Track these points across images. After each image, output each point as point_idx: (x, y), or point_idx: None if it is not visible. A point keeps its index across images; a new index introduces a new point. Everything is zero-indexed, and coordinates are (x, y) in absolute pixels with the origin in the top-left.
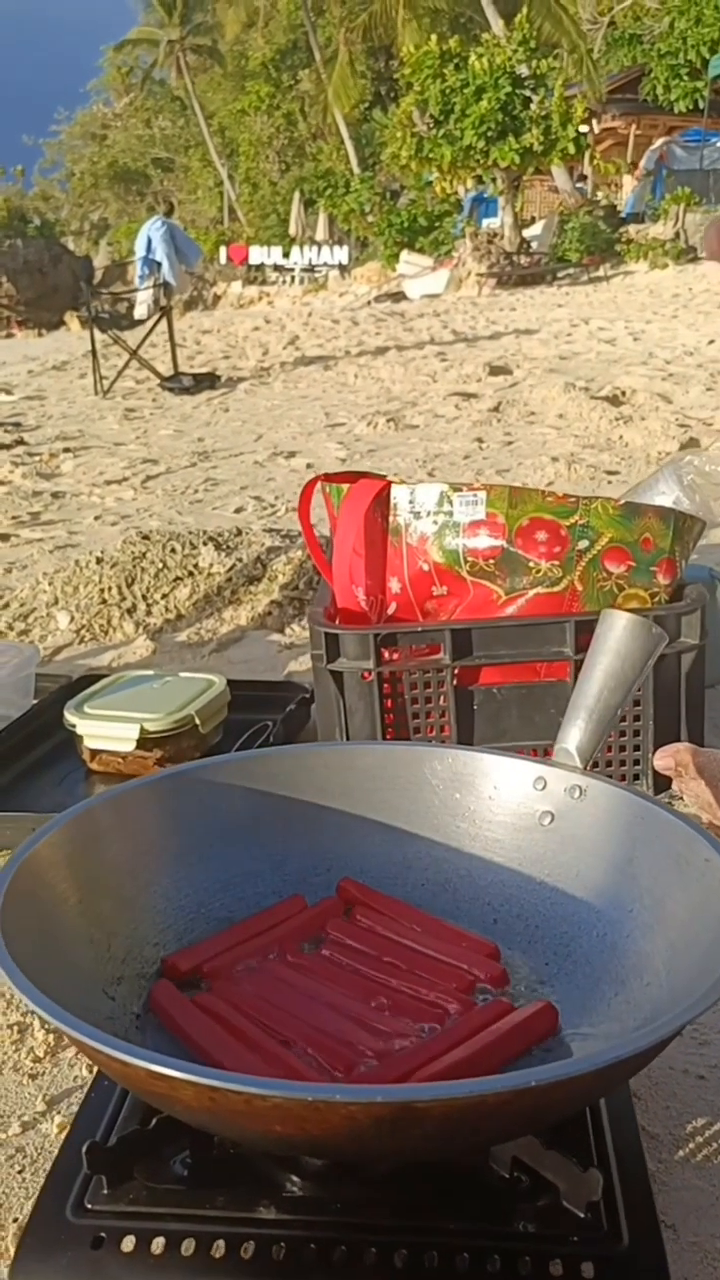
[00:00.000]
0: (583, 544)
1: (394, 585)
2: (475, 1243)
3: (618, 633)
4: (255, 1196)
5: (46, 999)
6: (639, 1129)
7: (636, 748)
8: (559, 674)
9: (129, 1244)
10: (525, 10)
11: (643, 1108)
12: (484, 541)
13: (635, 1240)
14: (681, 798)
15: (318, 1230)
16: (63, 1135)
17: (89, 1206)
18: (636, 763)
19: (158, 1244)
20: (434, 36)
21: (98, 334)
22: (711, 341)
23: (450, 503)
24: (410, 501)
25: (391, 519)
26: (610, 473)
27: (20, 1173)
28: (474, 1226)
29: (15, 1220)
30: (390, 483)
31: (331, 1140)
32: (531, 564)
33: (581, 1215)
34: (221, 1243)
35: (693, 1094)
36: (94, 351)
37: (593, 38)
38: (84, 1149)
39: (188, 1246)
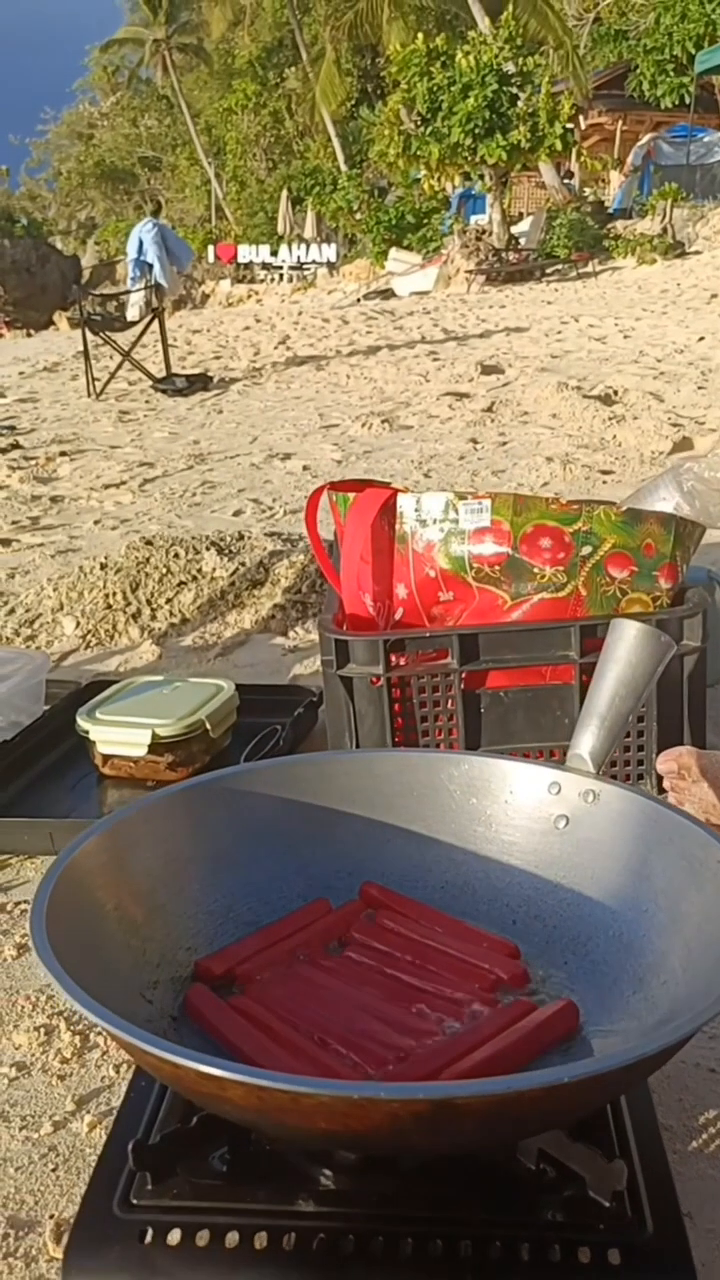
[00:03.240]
0: (586, 550)
1: (401, 591)
2: (507, 1232)
3: (628, 642)
4: (293, 1190)
5: (100, 1006)
6: (659, 1123)
7: (640, 748)
8: (564, 677)
9: (175, 1237)
10: (511, 7)
11: (656, 1101)
12: (489, 548)
13: (659, 1228)
14: (679, 805)
15: (355, 1222)
16: (93, 1134)
17: (134, 1202)
18: (640, 763)
19: (202, 1237)
20: (420, 34)
21: (89, 334)
22: (701, 339)
23: (456, 510)
24: (416, 509)
25: (398, 526)
26: (605, 472)
27: (54, 1171)
28: (505, 1217)
29: (52, 1217)
30: (397, 491)
31: (372, 1135)
32: (536, 570)
33: (607, 1205)
34: (264, 1235)
35: (705, 1087)
36: (86, 353)
37: (579, 34)
38: (130, 1147)
39: (231, 1239)
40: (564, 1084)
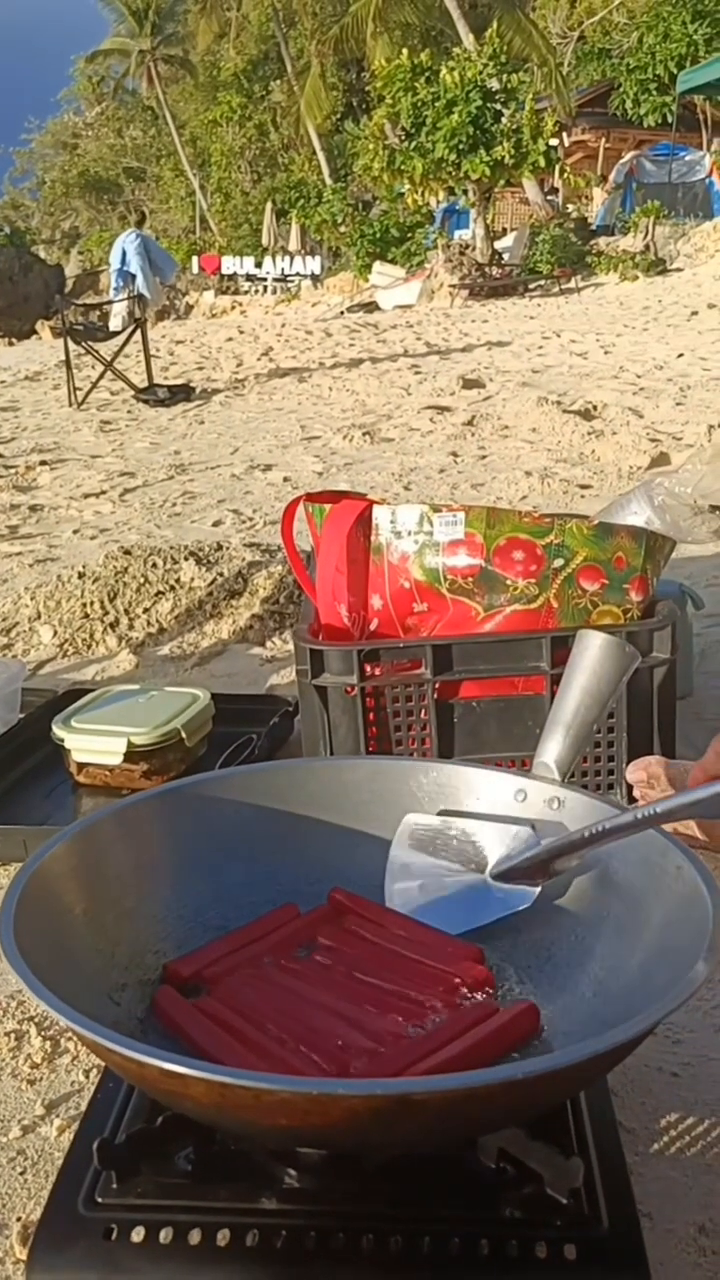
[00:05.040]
0: (558, 562)
1: (376, 602)
2: (466, 1228)
3: (593, 652)
4: (256, 1189)
5: (67, 1006)
6: (617, 1122)
7: (611, 759)
8: (536, 688)
9: (139, 1235)
10: (495, 25)
11: (620, 1104)
12: (463, 560)
13: (614, 1224)
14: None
15: (317, 1219)
16: (62, 1138)
17: (99, 1200)
18: (611, 773)
19: (166, 1234)
20: (405, 50)
21: (71, 344)
22: (680, 355)
23: (430, 523)
24: (391, 521)
25: (373, 538)
26: (583, 487)
27: (22, 1174)
28: (464, 1214)
29: (19, 1219)
30: (372, 503)
31: (333, 1132)
32: (509, 582)
33: (564, 1201)
34: (226, 1232)
35: (667, 1090)
36: (68, 363)
37: (562, 52)
38: (95, 1146)
39: (194, 1236)
40: (518, 1080)
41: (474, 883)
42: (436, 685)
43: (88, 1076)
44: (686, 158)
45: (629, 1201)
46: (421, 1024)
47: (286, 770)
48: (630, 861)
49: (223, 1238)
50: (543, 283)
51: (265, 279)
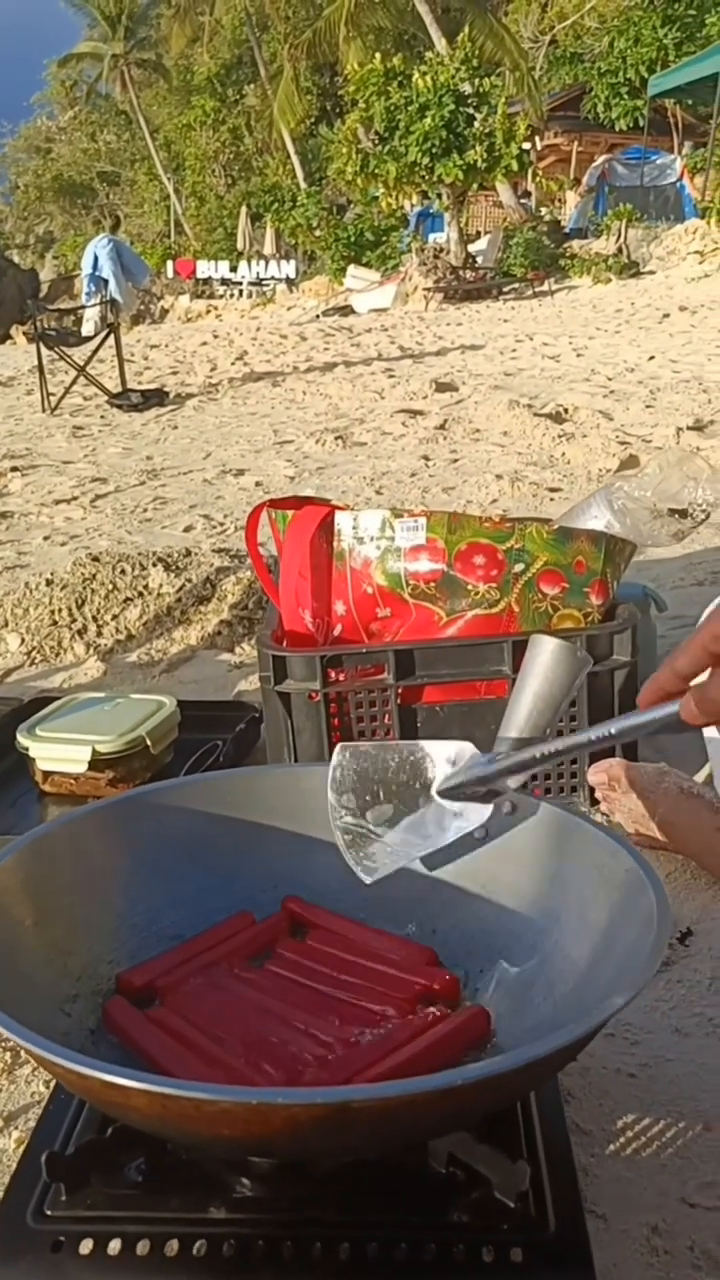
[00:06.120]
0: (519, 567)
1: (339, 608)
2: (414, 1234)
3: (545, 657)
4: (206, 1198)
5: (6, 1017)
6: (571, 1125)
7: (573, 761)
8: (498, 692)
9: (87, 1246)
10: (467, 29)
11: (577, 1105)
12: (425, 565)
13: (561, 1226)
14: (609, 815)
15: (266, 1227)
16: (20, 1149)
17: (48, 1213)
18: (573, 775)
19: (114, 1245)
20: (378, 54)
21: (44, 349)
22: (651, 358)
23: (392, 528)
24: (354, 527)
25: (336, 544)
26: (553, 490)
27: None
28: (413, 1219)
29: None
30: (334, 509)
31: (275, 1140)
32: (470, 586)
33: (512, 1205)
34: (175, 1242)
35: (624, 1092)
36: (41, 368)
37: (534, 56)
38: (43, 1158)
39: (143, 1247)
40: (458, 1086)
41: (424, 807)
42: (399, 690)
43: (48, 1088)
44: (658, 161)
45: (576, 1203)
46: (374, 1031)
47: (242, 778)
48: (582, 865)
49: (171, 1248)
50: (516, 286)
51: (240, 283)
